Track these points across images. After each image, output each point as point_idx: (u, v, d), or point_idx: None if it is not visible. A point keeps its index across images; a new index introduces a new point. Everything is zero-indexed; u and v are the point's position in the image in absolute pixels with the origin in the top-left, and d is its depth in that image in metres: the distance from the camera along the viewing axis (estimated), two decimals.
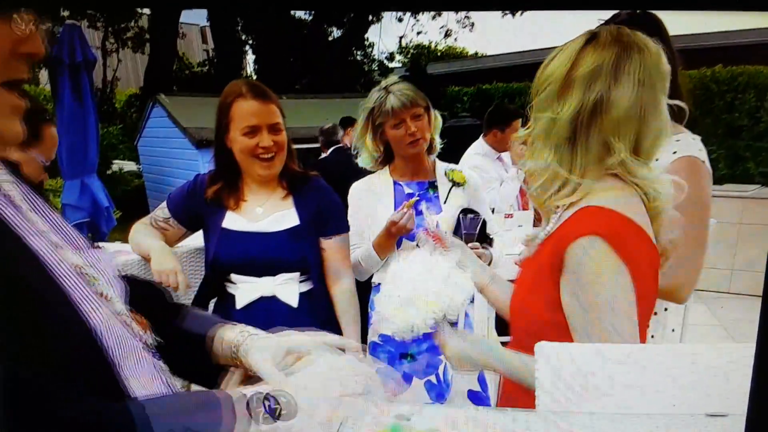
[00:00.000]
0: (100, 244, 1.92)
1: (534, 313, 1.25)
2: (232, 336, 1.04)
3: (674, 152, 1.58)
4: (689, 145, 1.60)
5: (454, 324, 2.12)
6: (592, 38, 1.15)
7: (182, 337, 1.04)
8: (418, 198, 2.12)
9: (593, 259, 1.09)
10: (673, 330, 1.95)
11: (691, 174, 1.51)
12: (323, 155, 5.50)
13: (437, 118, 2.19)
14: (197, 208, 1.87)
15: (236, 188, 1.87)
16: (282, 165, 1.86)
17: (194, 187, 1.91)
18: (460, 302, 1.33)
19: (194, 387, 1.16)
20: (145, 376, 0.83)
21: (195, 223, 1.91)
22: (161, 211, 1.92)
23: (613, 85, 1.12)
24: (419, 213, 2.12)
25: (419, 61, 17.65)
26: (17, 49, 0.66)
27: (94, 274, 0.82)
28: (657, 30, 1.57)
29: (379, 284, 2.16)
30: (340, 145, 5.40)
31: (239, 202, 1.86)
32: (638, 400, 1.07)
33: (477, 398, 2.19)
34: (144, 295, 1.00)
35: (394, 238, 2.06)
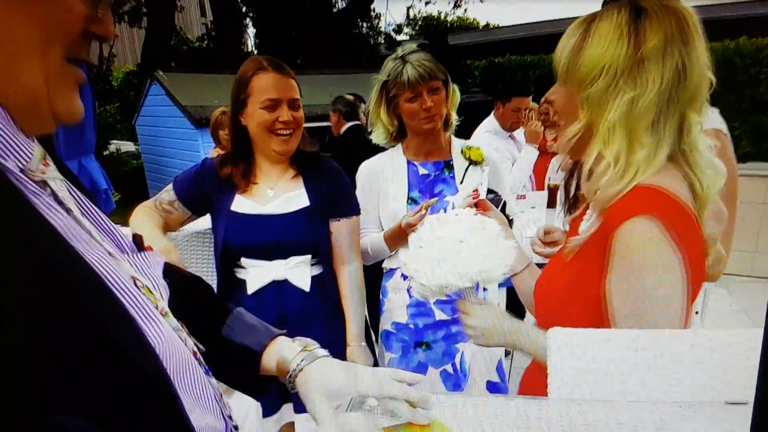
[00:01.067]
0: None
1: (572, 311, 1.18)
2: (290, 356, 0.99)
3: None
4: (710, 117, 1.57)
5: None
6: (640, 12, 1.07)
7: (233, 347, 1.00)
8: (437, 199, 2.01)
9: (645, 241, 1.03)
10: (696, 312, 1.91)
11: (719, 147, 1.47)
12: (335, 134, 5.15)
13: (455, 92, 2.06)
14: (205, 191, 1.85)
15: (249, 169, 1.85)
16: (297, 142, 1.81)
17: (202, 171, 1.88)
18: (501, 272, 1.21)
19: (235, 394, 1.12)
20: (196, 390, 0.76)
21: (201, 207, 1.89)
22: (167, 193, 1.88)
23: (686, 51, 1.06)
24: (436, 195, 2.05)
25: (439, 28, 17.38)
26: (89, 28, 0.63)
27: (149, 285, 0.73)
28: None
29: (392, 269, 2.11)
30: (358, 122, 5.23)
31: (250, 184, 1.84)
32: (655, 388, 1.04)
33: (496, 389, 2.14)
34: (188, 293, 0.91)
35: (406, 234, 1.99)
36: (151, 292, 0.72)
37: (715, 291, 2.04)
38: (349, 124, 4.94)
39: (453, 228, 1.21)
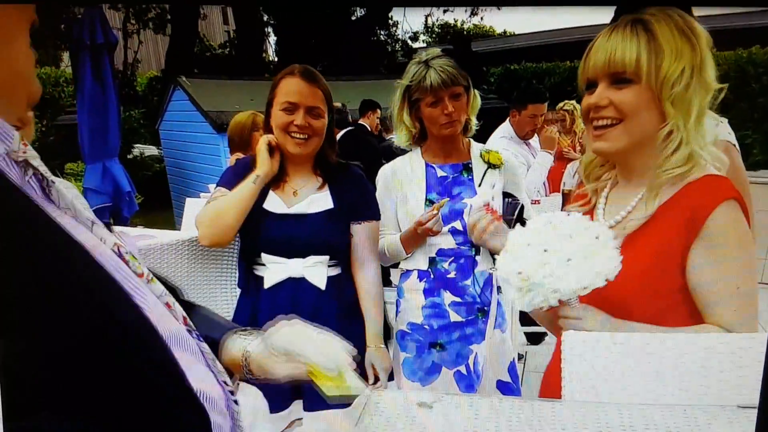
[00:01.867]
0: (123, 228, 1.93)
1: (645, 299, 1.21)
2: (239, 345, 1.00)
3: None
4: (719, 128, 1.57)
5: (486, 314, 2.11)
6: (681, 24, 1.18)
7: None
8: (448, 200, 2.03)
9: (736, 224, 1.14)
10: None
11: (728, 159, 1.49)
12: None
13: (476, 98, 2.08)
14: None
15: (283, 170, 1.91)
16: (315, 149, 1.87)
17: (245, 166, 1.93)
18: (611, 267, 1.15)
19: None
20: (188, 360, 0.77)
21: None
22: (219, 192, 1.91)
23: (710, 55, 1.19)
24: (454, 197, 2.07)
25: (456, 36, 17.33)
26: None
27: (132, 252, 0.76)
28: (685, 8, 1.54)
29: (408, 271, 2.13)
30: (351, 128, 5.32)
31: (281, 183, 1.90)
32: (668, 391, 1.05)
33: (507, 389, 2.15)
34: None
35: (423, 236, 2.02)
36: (135, 258, 0.75)
37: None
38: (343, 131, 5.11)
39: (577, 230, 1.19)
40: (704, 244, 1.14)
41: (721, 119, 1.59)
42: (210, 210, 1.86)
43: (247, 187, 1.82)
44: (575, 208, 1.40)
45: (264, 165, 1.84)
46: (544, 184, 3.86)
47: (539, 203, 3.55)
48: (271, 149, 1.87)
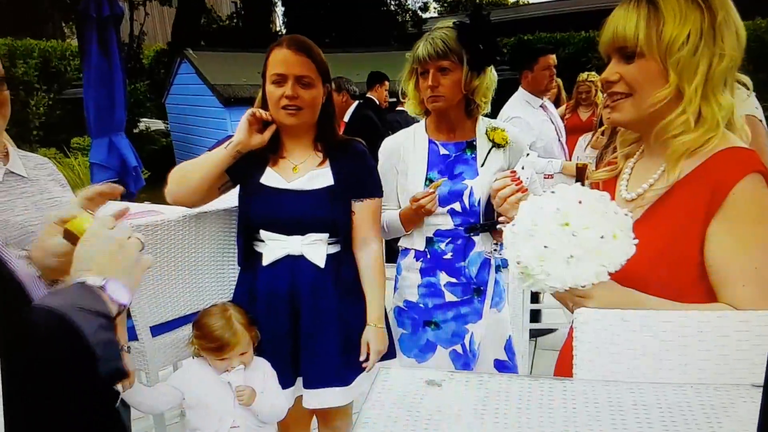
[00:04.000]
0: (129, 204, 1.93)
1: (664, 273, 1.17)
2: None
3: None
4: (745, 101, 1.53)
5: (482, 294, 2.08)
6: None
7: None
8: (446, 179, 1.99)
9: (761, 200, 1.10)
10: None
11: (752, 134, 1.46)
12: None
13: (486, 76, 1.98)
14: (242, 159, 1.84)
15: (276, 141, 1.87)
16: (309, 120, 1.84)
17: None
18: (625, 251, 1.09)
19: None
20: None
21: (236, 173, 1.88)
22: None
23: (737, 24, 1.16)
24: (455, 176, 2.02)
25: (481, 5, 17.09)
26: None
27: None
28: None
29: (407, 249, 2.11)
30: (360, 102, 5.25)
31: (278, 158, 1.87)
32: (682, 369, 1.03)
33: (503, 367, 2.14)
34: None
35: (420, 215, 1.98)
36: None
37: None
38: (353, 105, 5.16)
39: (588, 219, 1.09)
40: (724, 218, 1.10)
41: (747, 92, 1.55)
42: (179, 169, 1.87)
43: (218, 152, 1.80)
44: (603, 173, 1.39)
45: (239, 133, 1.79)
46: (563, 147, 3.80)
47: (552, 178, 3.51)
48: (261, 123, 1.82)
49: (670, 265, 1.17)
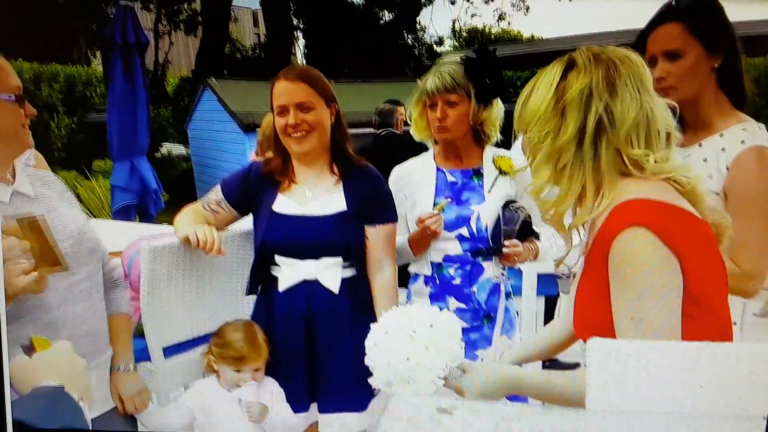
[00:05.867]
0: (148, 226, 1.99)
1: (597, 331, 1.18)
2: None
3: (742, 141, 1.53)
4: (756, 133, 1.55)
5: (492, 320, 2.10)
6: (569, 65, 1.24)
7: None
8: (450, 201, 2.06)
9: (638, 250, 1.11)
10: (735, 323, 1.87)
11: (761, 164, 1.47)
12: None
13: (495, 107, 2.07)
14: (250, 191, 1.97)
15: (288, 167, 1.95)
16: (318, 144, 1.88)
17: (249, 172, 2.01)
18: (457, 356, 1.31)
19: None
20: None
21: (245, 207, 2.00)
22: (214, 193, 2.01)
23: (613, 100, 1.19)
24: (462, 202, 2.06)
25: (487, 41, 17.35)
26: None
27: None
28: (718, 15, 1.54)
29: (416, 274, 2.12)
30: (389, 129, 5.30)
31: (290, 183, 1.93)
32: (695, 400, 1.04)
33: (514, 396, 2.12)
34: None
35: (427, 237, 1.99)
36: None
37: (752, 304, 1.99)
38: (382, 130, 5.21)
39: (396, 347, 1.31)
40: (612, 274, 1.16)
41: (759, 125, 1.57)
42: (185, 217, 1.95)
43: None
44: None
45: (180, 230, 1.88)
46: None
47: None
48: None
49: (607, 324, 1.20)
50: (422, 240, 2.04)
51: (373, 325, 1.38)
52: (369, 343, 1.36)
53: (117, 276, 1.80)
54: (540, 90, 1.26)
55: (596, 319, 1.22)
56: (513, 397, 2.09)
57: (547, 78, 1.26)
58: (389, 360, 1.29)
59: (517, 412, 1.02)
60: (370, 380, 1.35)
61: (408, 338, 1.29)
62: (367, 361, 1.35)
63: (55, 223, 1.56)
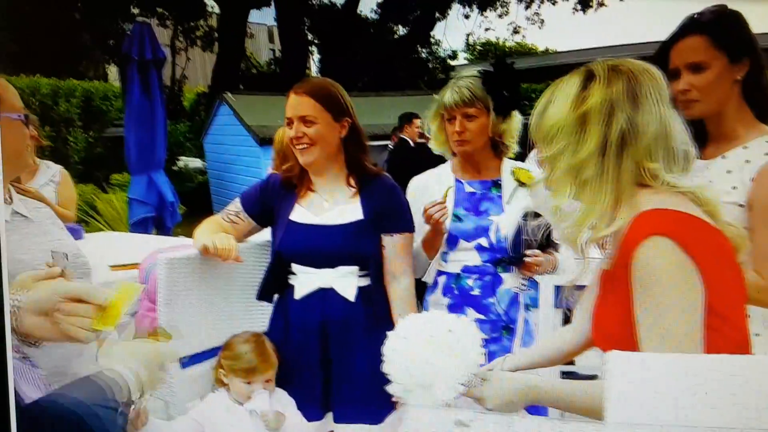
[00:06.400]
0: (165, 238, 2.00)
1: (618, 341, 1.18)
2: None
3: (766, 153, 1.52)
4: None
5: (511, 332, 2.08)
6: (589, 77, 1.22)
7: None
8: (452, 187, 2.07)
9: (660, 259, 1.10)
10: (757, 335, 1.85)
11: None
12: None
13: (512, 120, 2.06)
14: (269, 202, 1.98)
15: (305, 173, 1.96)
16: (321, 155, 1.89)
17: (267, 184, 2.03)
18: (473, 360, 1.29)
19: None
20: None
21: (264, 218, 2.00)
22: (233, 205, 2.02)
23: (635, 112, 1.17)
24: (481, 213, 2.06)
25: (503, 55, 17.40)
26: None
27: None
28: (741, 28, 1.53)
29: (434, 285, 2.12)
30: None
31: (307, 191, 1.94)
32: (716, 413, 1.01)
33: (533, 409, 2.09)
34: None
35: (438, 234, 2.00)
36: None
37: None
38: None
39: (412, 351, 1.30)
40: (634, 285, 1.14)
41: None
42: (197, 231, 1.96)
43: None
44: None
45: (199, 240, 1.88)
46: None
47: None
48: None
49: (630, 335, 1.18)
50: (433, 238, 2.02)
51: (390, 332, 1.37)
52: (387, 349, 1.35)
53: None
54: (558, 101, 1.24)
55: (617, 330, 1.21)
56: (533, 410, 2.09)
57: (566, 90, 1.23)
58: (408, 366, 1.27)
59: (534, 427, 1.01)
60: (389, 388, 1.33)
61: (426, 343, 1.27)
62: (386, 367, 1.33)
63: (49, 246, 1.57)
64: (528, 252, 1.97)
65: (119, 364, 0.99)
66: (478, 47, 20.07)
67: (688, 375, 1.02)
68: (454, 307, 2.06)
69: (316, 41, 16.77)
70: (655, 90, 1.18)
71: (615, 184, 1.19)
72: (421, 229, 2.08)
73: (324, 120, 1.86)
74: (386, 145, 5.78)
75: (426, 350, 1.27)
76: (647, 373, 1.04)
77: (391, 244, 1.92)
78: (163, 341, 1.15)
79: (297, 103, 1.86)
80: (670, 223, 1.12)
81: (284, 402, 1.83)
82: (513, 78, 2.05)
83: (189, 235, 2.22)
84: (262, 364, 1.78)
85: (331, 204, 1.91)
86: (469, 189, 2.11)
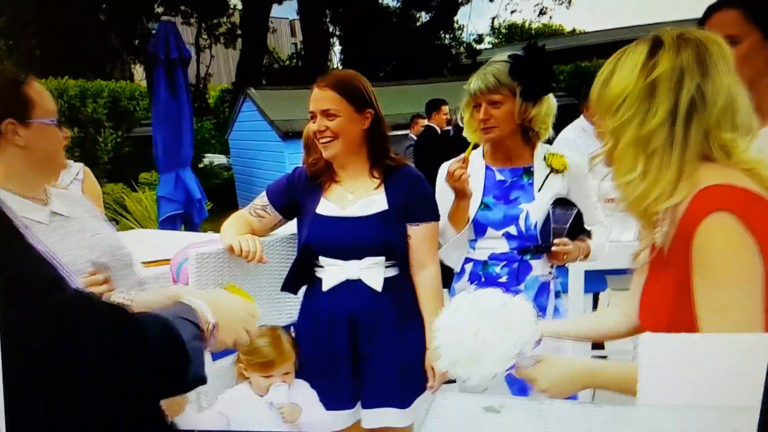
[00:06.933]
0: (194, 234, 2.03)
1: (682, 325, 1.14)
2: None
3: None
4: None
5: (541, 316, 2.05)
6: (656, 44, 1.17)
7: None
8: (475, 143, 2.03)
9: (723, 237, 1.07)
10: None
11: None
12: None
13: (544, 104, 1.99)
14: (295, 195, 1.99)
15: (330, 166, 1.96)
16: (345, 149, 1.89)
17: (293, 177, 2.03)
18: (527, 337, 1.25)
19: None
20: None
21: (290, 211, 2.01)
22: (260, 199, 2.03)
23: (704, 81, 1.13)
24: (510, 201, 2.02)
25: (523, 37, 17.17)
26: None
27: None
28: None
29: (461, 272, 2.09)
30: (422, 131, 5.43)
31: (332, 183, 1.95)
32: (748, 393, 0.98)
33: None
34: None
35: (462, 196, 1.97)
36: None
37: None
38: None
39: (463, 324, 1.27)
40: (696, 263, 1.10)
41: None
42: (231, 224, 1.98)
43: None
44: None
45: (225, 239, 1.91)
46: None
47: (613, 202, 3.43)
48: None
49: (683, 316, 1.15)
50: (458, 203, 1.98)
51: (444, 308, 1.35)
52: (438, 323, 1.32)
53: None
54: (624, 70, 1.19)
55: (669, 311, 1.18)
56: None
57: (632, 58, 1.19)
58: (458, 338, 1.25)
59: (565, 411, 1.00)
60: (436, 363, 1.32)
61: (478, 316, 1.25)
62: (436, 341, 1.30)
63: (91, 239, 1.62)
64: (556, 241, 1.94)
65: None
66: (504, 30, 19.80)
67: (723, 355, 1.01)
68: None
69: (337, 33, 16.77)
70: (723, 60, 1.15)
71: (681, 155, 1.15)
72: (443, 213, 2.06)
73: (346, 112, 1.85)
74: (406, 135, 5.75)
75: (476, 322, 1.24)
76: (680, 355, 1.03)
77: (417, 233, 1.91)
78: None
79: (319, 97, 1.86)
80: (734, 200, 1.08)
81: (305, 394, 1.85)
82: (545, 62, 2.00)
83: (216, 230, 2.24)
84: (279, 358, 1.79)
85: (355, 196, 1.91)
86: (499, 177, 2.07)
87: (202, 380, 0.90)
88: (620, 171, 1.21)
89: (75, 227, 1.62)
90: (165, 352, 0.84)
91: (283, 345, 1.82)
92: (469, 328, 1.24)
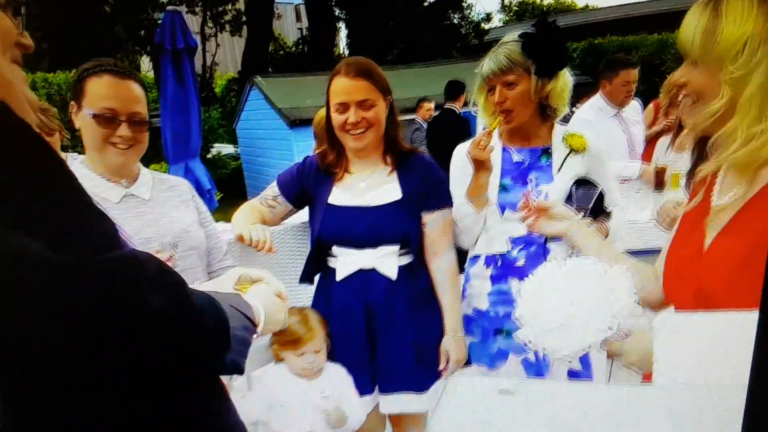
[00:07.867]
0: None
1: (743, 286, 1.11)
2: None
3: None
4: None
5: None
6: None
7: None
8: (502, 118, 1.92)
9: None
10: None
11: None
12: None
13: (560, 80, 1.93)
14: (305, 185, 1.96)
15: (342, 159, 1.93)
16: (375, 139, 1.85)
17: (304, 166, 1.99)
18: (627, 307, 1.17)
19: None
20: None
21: (301, 200, 1.99)
22: (271, 189, 2.00)
23: None
24: (526, 183, 1.99)
25: (548, 13, 16.94)
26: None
27: None
28: None
29: (476, 256, 2.07)
30: (437, 115, 5.38)
31: (344, 173, 1.92)
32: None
33: (573, 373, 2.06)
34: None
35: (482, 169, 1.90)
36: None
37: None
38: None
39: (553, 294, 1.22)
40: None
41: None
42: (242, 215, 1.96)
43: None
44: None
45: (236, 229, 1.89)
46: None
47: (628, 182, 3.40)
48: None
49: (750, 277, 1.09)
50: (479, 179, 1.92)
51: (529, 276, 1.28)
52: (527, 288, 1.25)
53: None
54: (735, 15, 1.10)
55: (737, 271, 1.12)
56: (573, 374, 2.06)
57: (740, 1, 1.09)
58: (552, 306, 1.19)
59: (581, 392, 1.00)
60: (516, 334, 1.24)
61: (575, 283, 1.20)
62: (518, 311, 1.24)
63: (161, 221, 1.71)
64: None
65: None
66: (514, 7, 19.52)
67: (741, 332, 0.99)
68: (497, 278, 2.00)
69: (343, 16, 16.65)
70: None
71: None
72: (459, 195, 2.01)
73: (380, 101, 1.83)
74: (413, 119, 5.69)
75: (576, 290, 1.19)
76: (698, 333, 1.02)
77: (432, 220, 1.90)
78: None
79: (353, 88, 1.80)
80: None
81: (345, 378, 1.86)
82: (558, 36, 1.94)
83: (226, 220, 2.24)
84: (307, 333, 1.80)
85: (367, 184, 1.89)
86: (516, 158, 2.01)
87: (239, 370, 0.92)
88: (744, 121, 1.10)
89: (151, 211, 1.71)
90: (210, 321, 0.86)
91: (310, 322, 1.83)
92: (564, 296, 1.18)
